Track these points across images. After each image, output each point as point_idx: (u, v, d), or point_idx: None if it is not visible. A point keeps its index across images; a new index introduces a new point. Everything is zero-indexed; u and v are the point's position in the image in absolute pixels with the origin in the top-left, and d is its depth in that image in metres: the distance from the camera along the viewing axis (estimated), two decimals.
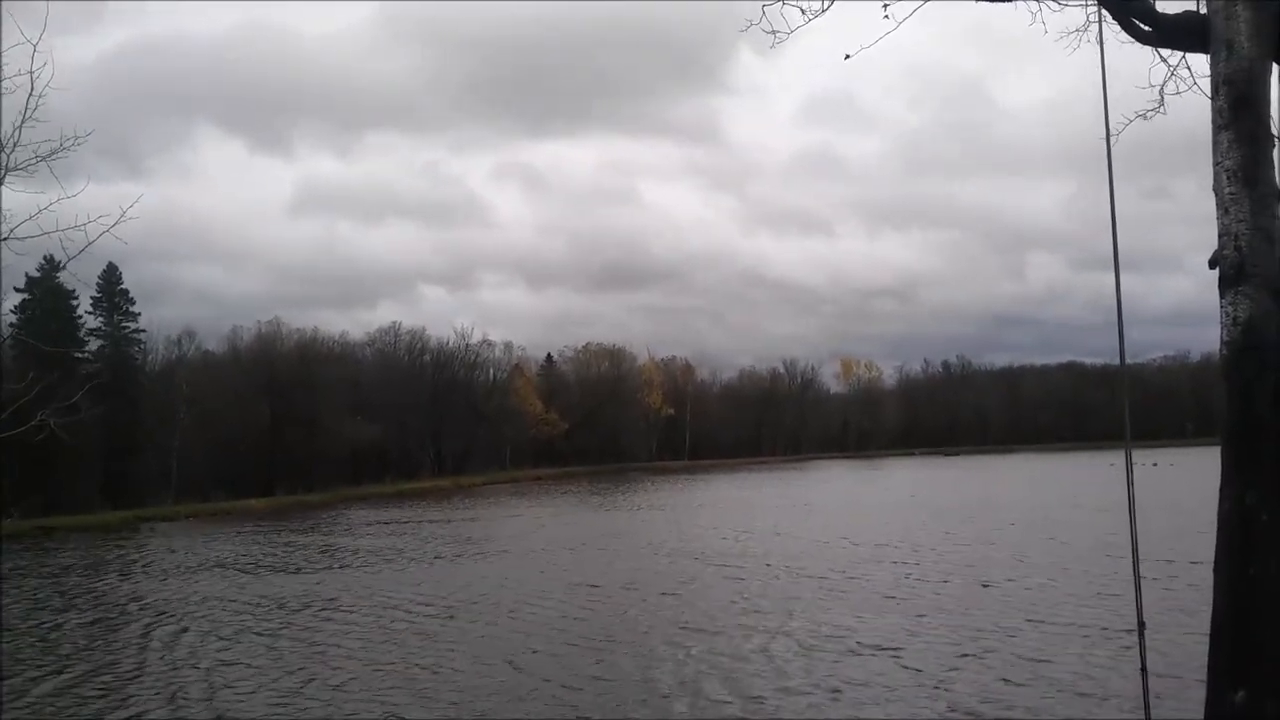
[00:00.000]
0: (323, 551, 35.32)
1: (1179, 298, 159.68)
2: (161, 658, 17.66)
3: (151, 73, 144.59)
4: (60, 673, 16.78)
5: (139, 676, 16.25)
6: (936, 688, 13.63)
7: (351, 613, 21.53)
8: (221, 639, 19.08)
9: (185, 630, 20.21)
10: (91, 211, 7.17)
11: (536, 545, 34.93)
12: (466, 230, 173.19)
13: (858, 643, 16.60)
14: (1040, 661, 14.92)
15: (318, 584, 26.20)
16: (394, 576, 27.25)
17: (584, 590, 23.71)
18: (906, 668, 14.78)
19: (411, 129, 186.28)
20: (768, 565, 26.89)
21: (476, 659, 16.41)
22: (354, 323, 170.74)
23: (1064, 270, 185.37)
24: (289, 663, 16.68)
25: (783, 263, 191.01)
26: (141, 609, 23.39)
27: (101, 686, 15.62)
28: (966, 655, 15.45)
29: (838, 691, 13.57)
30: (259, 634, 19.44)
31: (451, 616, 20.64)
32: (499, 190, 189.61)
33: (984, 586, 22.14)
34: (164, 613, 22.57)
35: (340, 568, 30.09)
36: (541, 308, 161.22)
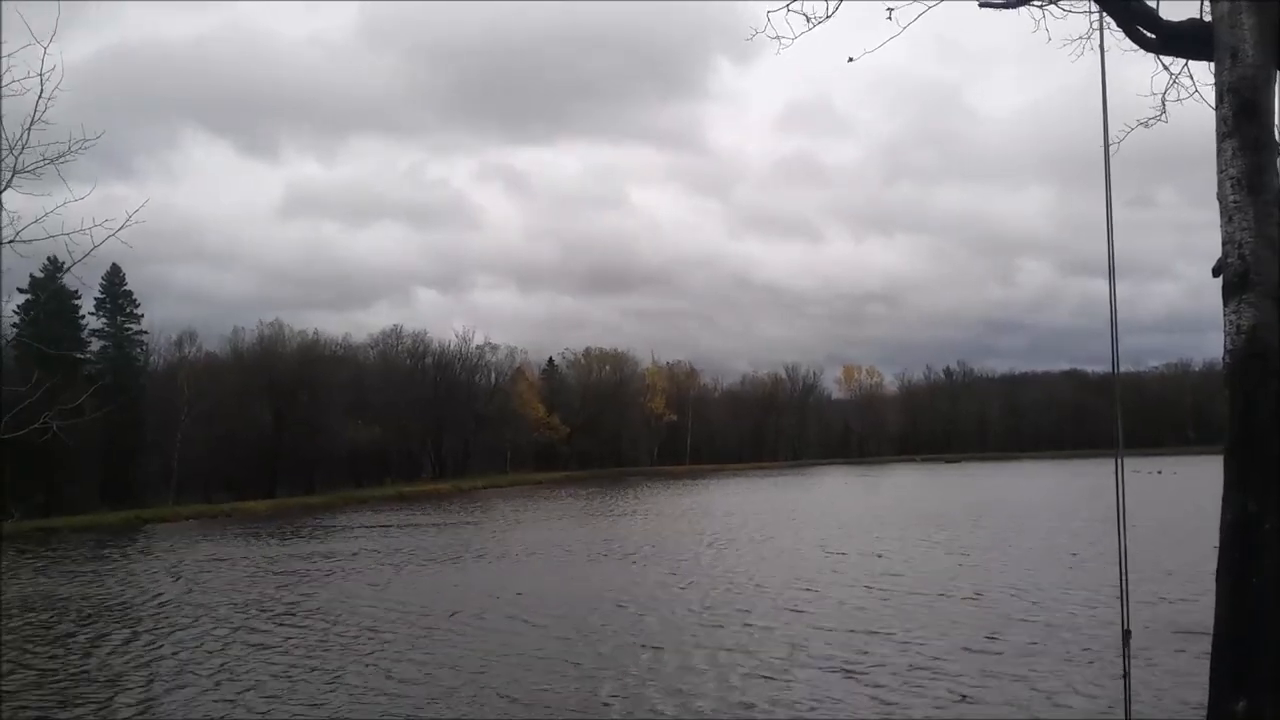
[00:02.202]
0: (319, 556, 35.31)
1: (1167, 304, 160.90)
2: (142, 662, 17.66)
3: (133, 76, 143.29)
4: (47, 675, 16.80)
5: (119, 681, 16.21)
6: (889, 706, 13.04)
7: (336, 618, 21.37)
8: (212, 642, 19.12)
9: (172, 635, 20.16)
10: (90, 215, 7.17)
11: (521, 551, 34.85)
12: (454, 233, 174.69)
13: (810, 657, 15.93)
14: (1013, 675, 14.31)
15: (309, 591, 26.01)
16: (382, 582, 27.09)
17: (546, 599, 23.08)
18: (863, 685, 14.12)
19: (394, 133, 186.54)
20: (735, 573, 26.45)
21: (447, 666, 16.27)
22: (349, 325, 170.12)
23: (1052, 276, 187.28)
24: (276, 667, 16.67)
25: (771, 267, 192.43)
26: (133, 612, 23.39)
27: (81, 693, 15.52)
28: (922, 669, 14.81)
29: (783, 707, 13.03)
30: (249, 638, 19.39)
31: (428, 628, 20.09)
32: (484, 194, 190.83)
33: (958, 599, 21.31)
34: (154, 617, 22.57)
35: (332, 571, 30.09)
36: (533, 310, 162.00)
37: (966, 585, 23.13)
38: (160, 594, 26.19)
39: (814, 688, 14.11)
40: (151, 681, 15.99)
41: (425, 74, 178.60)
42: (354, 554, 35.01)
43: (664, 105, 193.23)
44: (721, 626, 18.90)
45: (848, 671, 14.96)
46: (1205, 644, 5.12)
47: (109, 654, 18.47)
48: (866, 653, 16.19)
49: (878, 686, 14.02)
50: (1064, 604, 20.16)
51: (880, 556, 29.50)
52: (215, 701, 14.45)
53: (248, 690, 14.98)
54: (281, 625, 20.73)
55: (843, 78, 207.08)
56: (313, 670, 16.24)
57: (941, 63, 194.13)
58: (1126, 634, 6.38)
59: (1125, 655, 6.34)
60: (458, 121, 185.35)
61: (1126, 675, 6.30)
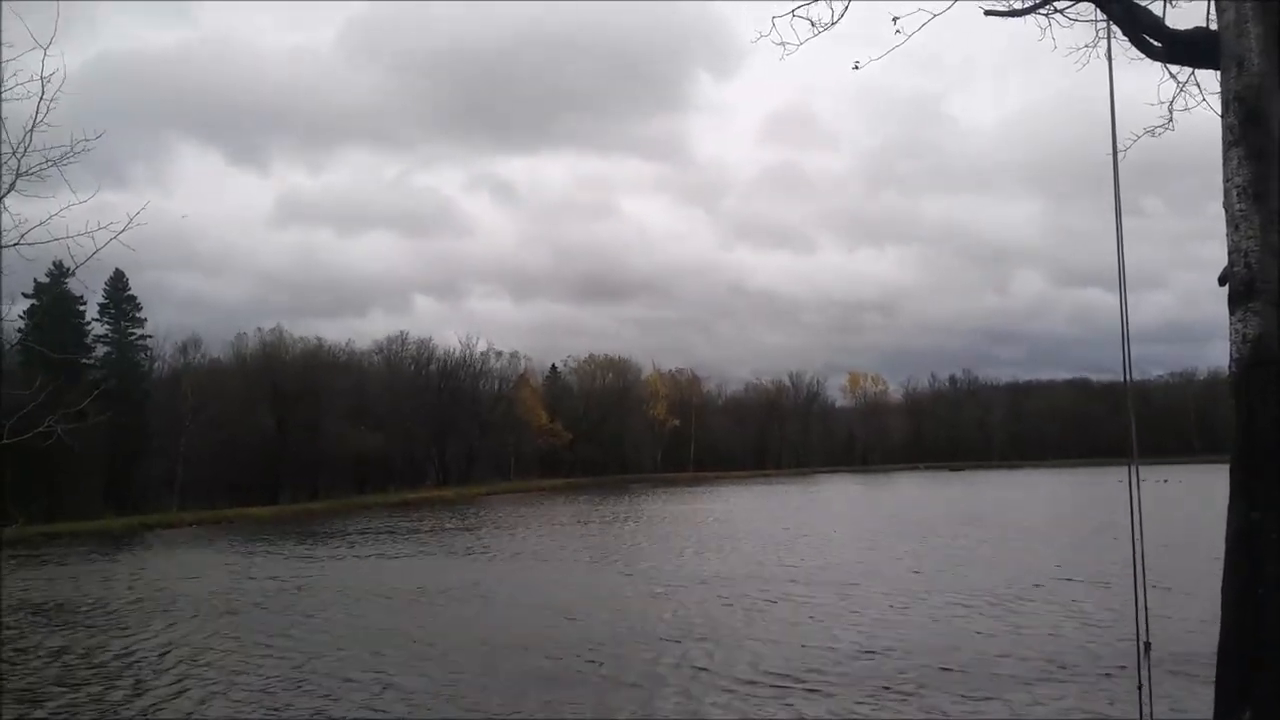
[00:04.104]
0: (321, 561, 35.42)
1: (1162, 313, 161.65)
2: (141, 667, 17.73)
3: (121, 87, 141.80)
4: (45, 681, 16.83)
5: (116, 688, 16.25)
6: None
7: (331, 627, 21.30)
8: (208, 642, 19.37)
9: (173, 640, 20.21)
10: (90, 220, 7.17)
11: (509, 555, 35.16)
12: (446, 242, 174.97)
13: (768, 673, 15.34)
14: (1001, 692, 13.77)
15: (306, 597, 26.09)
16: (375, 590, 27.14)
17: (522, 608, 23.01)
18: (827, 700, 13.62)
19: (381, 143, 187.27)
20: (709, 582, 26.14)
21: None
22: (345, 332, 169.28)
23: (1044, 285, 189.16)
24: (266, 666, 16.77)
25: (764, 276, 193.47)
26: (135, 618, 23.44)
27: (80, 698, 15.58)
28: (890, 689, 14.18)
29: None
30: (243, 644, 19.42)
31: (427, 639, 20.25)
32: (474, 203, 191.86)
33: (947, 609, 20.72)
34: (155, 622, 22.59)
35: (328, 577, 30.15)
36: (528, 318, 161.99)
37: (955, 595, 22.66)
38: (162, 599, 26.20)
39: (770, 705, 13.61)
40: (152, 687, 16.02)
41: (408, 86, 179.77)
42: (353, 561, 35.05)
43: (648, 117, 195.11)
44: (681, 641, 18.34)
45: (810, 688, 14.40)
46: (1203, 655, 5.06)
47: (109, 660, 18.50)
48: (828, 668, 15.60)
49: (840, 702, 13.50)
50: (1053, 615, 19.78)
51: (861, 564, 29.14)
52: (207, 709, 14.49)
53: (246, 700, 14.98)
54: (276, 632, 20.65)
55: (824, 90, 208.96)
56: (307, 676, 16.25)
57: (922, 74, 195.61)
58: (1146, 646, 6.33)
59: (1143, 667, 6.29)
60: (444, 132, 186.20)
61: (1142, 686, 6.25)
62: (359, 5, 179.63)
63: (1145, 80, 7.78)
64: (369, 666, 16.77)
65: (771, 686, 14.66)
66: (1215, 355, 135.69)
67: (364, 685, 15.49)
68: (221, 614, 23.27)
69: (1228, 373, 5.30)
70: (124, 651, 19.10)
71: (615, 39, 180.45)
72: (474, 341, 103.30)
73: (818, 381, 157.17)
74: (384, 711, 13.98)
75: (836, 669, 15.58)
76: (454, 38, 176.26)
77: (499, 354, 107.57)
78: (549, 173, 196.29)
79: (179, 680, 16.33)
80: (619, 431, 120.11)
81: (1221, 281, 5.41)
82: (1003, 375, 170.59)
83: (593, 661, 16.72)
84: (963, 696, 13.79)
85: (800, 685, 14.61)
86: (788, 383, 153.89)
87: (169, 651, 18.83)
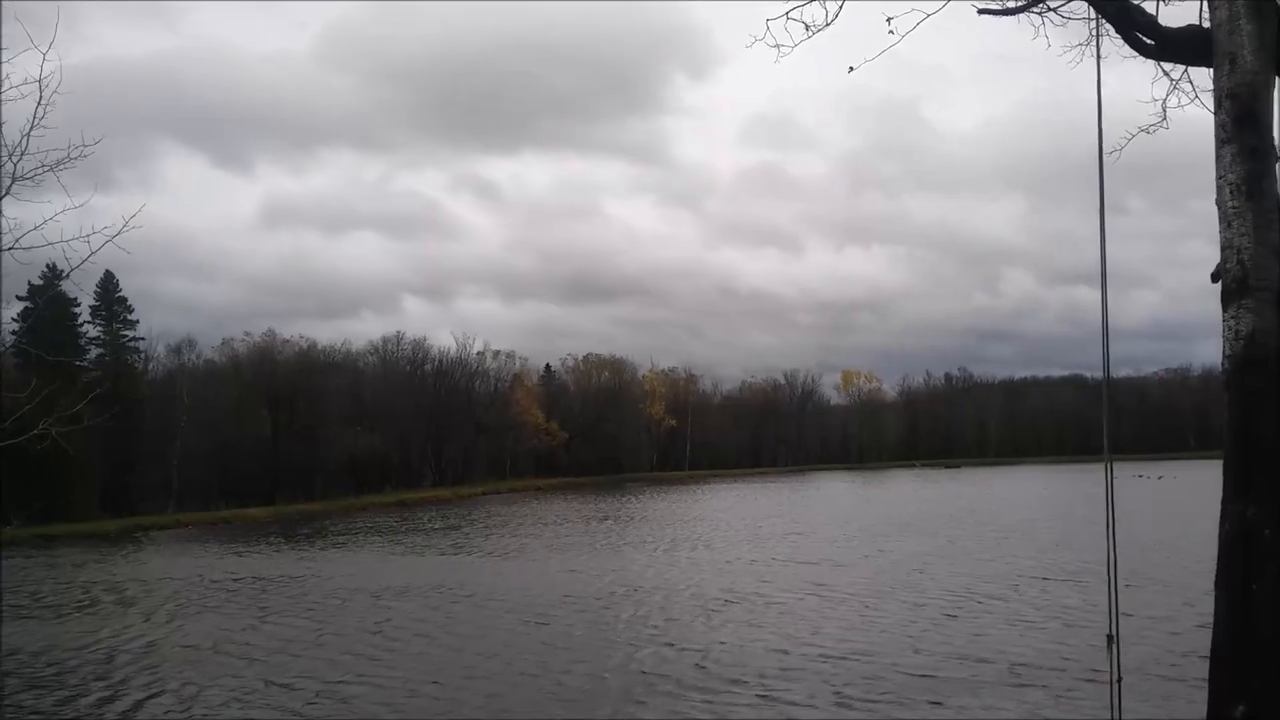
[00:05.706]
0: (317, 560, 35.34)
1: (1149, 310, 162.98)
2: (141, 662, 17.78)
3: (106, 90, 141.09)
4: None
5: (109, 680, 16.36)
6: None
7: (318, 628, 21.25)
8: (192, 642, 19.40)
9: (165, 644, 20.17)
10: (80, 225, 7.17)
11: (489, 553, 35.46)
12: (433, 244, 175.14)
13: (719, 678, 15.05)
14: (968, 692, 13.58)
15: (294, 597, 26.07)
16: (365, 591, 26.97)
17: (488, 609, 22.94)
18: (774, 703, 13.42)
19: (364, 147, 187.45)
20: (669, 583, 26.01)
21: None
22: (336, 333, 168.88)
23: (1032, 285, 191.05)
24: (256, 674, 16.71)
25: (752, 276, 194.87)
26: (131, 621, 23.33)
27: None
28: (843, 693, 13.90)
29: None
30: (225, 643, 19.45)
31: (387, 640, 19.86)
32: (460, 205, 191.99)
33: (925, 611, 20.40)
34: (152, 622, 22.59)
35: (319, 578, 30.11)
36: (518, 319, 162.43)
37: (932, 595, 22.52)
38: (127, 600, 26.25)
39: (715, 711, 13.42)
40: (88, 692, 16.01)
41: (388, 88, 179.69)
42: (330, 562, 35.02)
43: (628, 119, 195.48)
44: (636, 643, 18.16)
45: (760, 693, 14.13)
46: (1187, 653, 5.03)
47: (58, 661, 18.43)
48: (784, 673, 15.30)
49: (789, 709, 13.27)
50: (1032, 613, 19.67)
51: (837, 563, 29.00)
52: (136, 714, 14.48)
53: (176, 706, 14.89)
54: (229, 635, 20.55)
55: (804, 92, 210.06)
56: (249, 681, 16.21)
57: (906, 75, 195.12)
58: (1111, 638, 6.34)
59: (1113, 661, 6.31)
60: (426, 136, 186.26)
61: (1114, 682, 6.27)
62: (338, 8, 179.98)
63: (1136, 79, 7.79)
64: (312, 672, 16.62)
65: (720, 691, 14.37)
66: (1206, 352, 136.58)
67: (303, 691, 15.32)
68: (179, 615, 23.21)
69: (1221, 369, 5.32)
70: (71, 653, 19.06)
71: (592, 42, 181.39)
72: (469, 341, 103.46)
73: (812, 380, 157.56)
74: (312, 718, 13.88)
75: (792, 673, 15.25)
76: (433, 40, 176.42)
77: (495, 354, 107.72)
78: (532, 174, 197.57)
79: (121, 682, 16.34)
80: (615, 431, 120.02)
81: (1215, 278, 5.43)
82: (996, 374, 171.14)
83: (543, 662, 16.56)
84: (924, 701, 13.51)
85: (750, 691, 14.31)
86: (782, 381, 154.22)
87: (114, 655, 18.72)
